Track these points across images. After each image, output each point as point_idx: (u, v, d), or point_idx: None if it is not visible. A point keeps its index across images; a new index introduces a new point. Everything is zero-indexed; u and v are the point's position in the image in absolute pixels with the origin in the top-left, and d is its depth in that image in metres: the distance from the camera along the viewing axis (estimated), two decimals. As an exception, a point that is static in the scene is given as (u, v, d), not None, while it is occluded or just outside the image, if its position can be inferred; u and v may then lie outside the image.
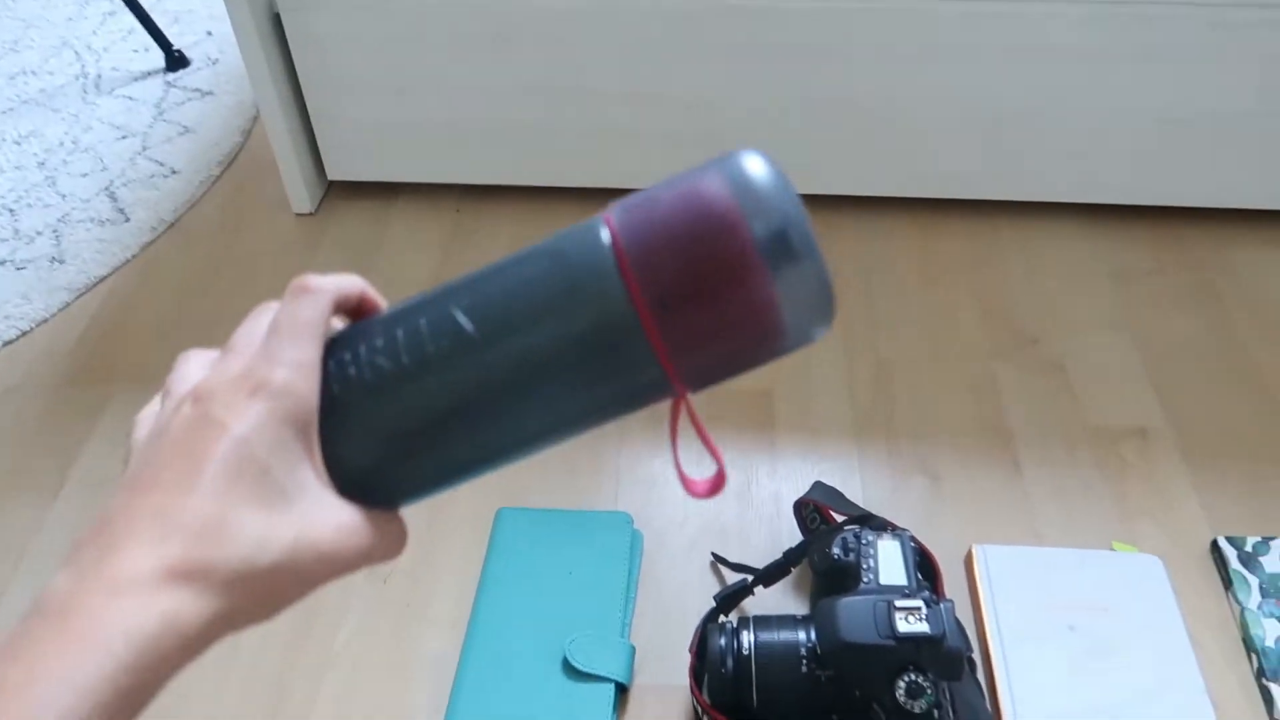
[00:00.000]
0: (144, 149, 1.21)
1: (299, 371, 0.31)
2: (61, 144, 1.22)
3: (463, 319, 0.32)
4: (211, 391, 0.31)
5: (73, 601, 0.26)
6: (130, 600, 0.26)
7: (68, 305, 1.02)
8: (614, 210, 0.32)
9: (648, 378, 0.31)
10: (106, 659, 0.25)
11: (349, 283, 0.35)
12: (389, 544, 0.33)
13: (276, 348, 0.32)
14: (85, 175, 1.18)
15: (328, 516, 0.31)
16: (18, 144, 1.23)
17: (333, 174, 1.10)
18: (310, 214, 1.11)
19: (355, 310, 0.35)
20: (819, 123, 1.00)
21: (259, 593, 0.29)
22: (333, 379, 0.33)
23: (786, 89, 0.98)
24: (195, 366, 0.33)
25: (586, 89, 0.99)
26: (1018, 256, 1.03)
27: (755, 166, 0.31)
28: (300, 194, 1.09)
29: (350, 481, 0.32)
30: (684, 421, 0.35)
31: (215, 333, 0.99)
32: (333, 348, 0.33)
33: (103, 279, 1.04)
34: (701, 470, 0.37)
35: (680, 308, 0.30)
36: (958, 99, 0.97)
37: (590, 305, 0.30)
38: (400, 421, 0.32)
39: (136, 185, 1.16)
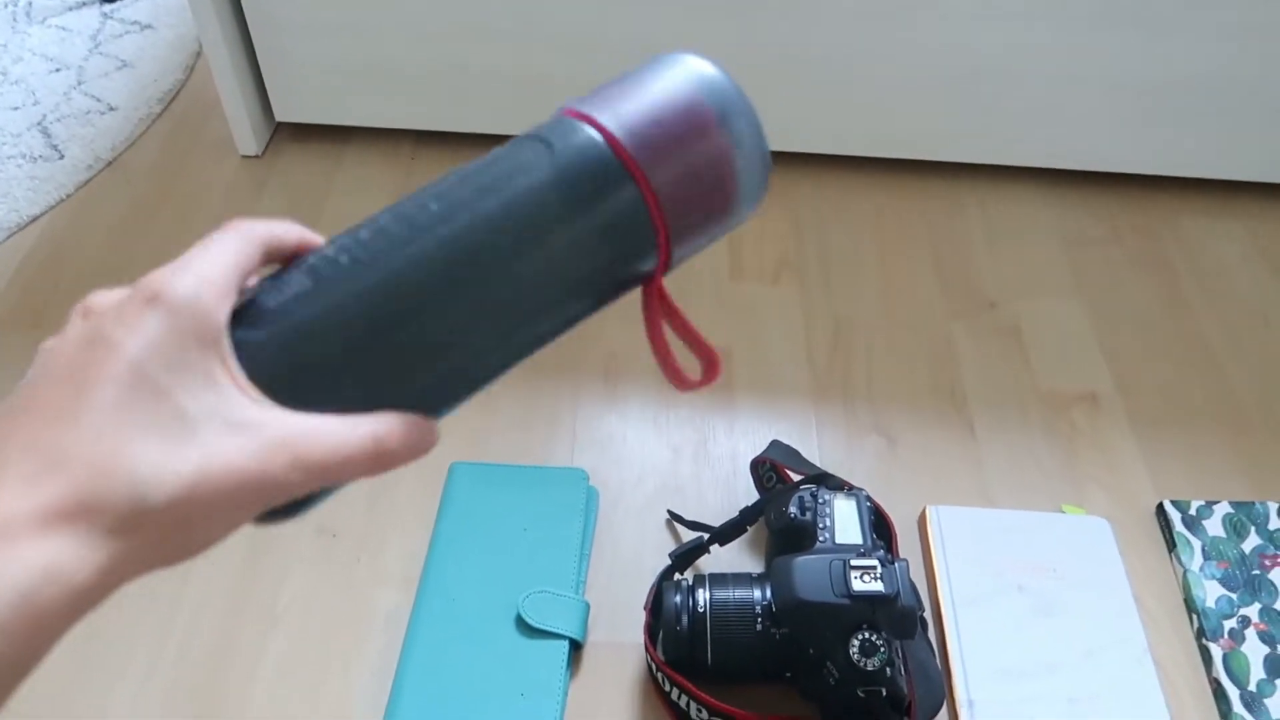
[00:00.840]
0: (79, 83, 1.15)
1: (204, 284, 0.28)
2: (-10, 75, 1.16)
3: (435, 205, 0.32)
4: (104, 306, 0.28)
5: None
6: (14, 543, 0.23)
7: (-2, 245, 0.97)
8: (588, 109, 0.34)
9: (642, 259, 0.35)
10: None
11: (284, 228, 0.32)
12: (353, 454, 0.29)
13: (183, 262, 0.29)
14: (16, 109, 1.12)
15: (243, 441, 0.27)
16: (-58, 73, 1.16)
17: (281, 115, 1.06)
18: (256, 156, 1.06)
19: (291, 258, 0.33)
20: (776, 78, 0.99)
21: (160, 534, 0.26)
22: (264, 291, 0.31)
23: (744, 41, 0.96)
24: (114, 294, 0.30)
25: (546, 34, 0.97)
26: (977, 220, 1.04)
27: (706, 66, 0.36)
28: (246, 135, 1.05)
29: (286, 387, 0.29)
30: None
31: (156, 277, 0.96)
32: (269, 278, 0.32)
33: (35, 218, 1.00)
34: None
35: (675, 191, 0.34)
36: (919, 58, 0.96)
37: (601, 204, 0.33)
38: (363, 321, 0.30)
39: (71, 121, 1.10)
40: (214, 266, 0.29)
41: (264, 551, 0.73)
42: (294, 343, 0.30)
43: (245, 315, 0.30)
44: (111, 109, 1.12)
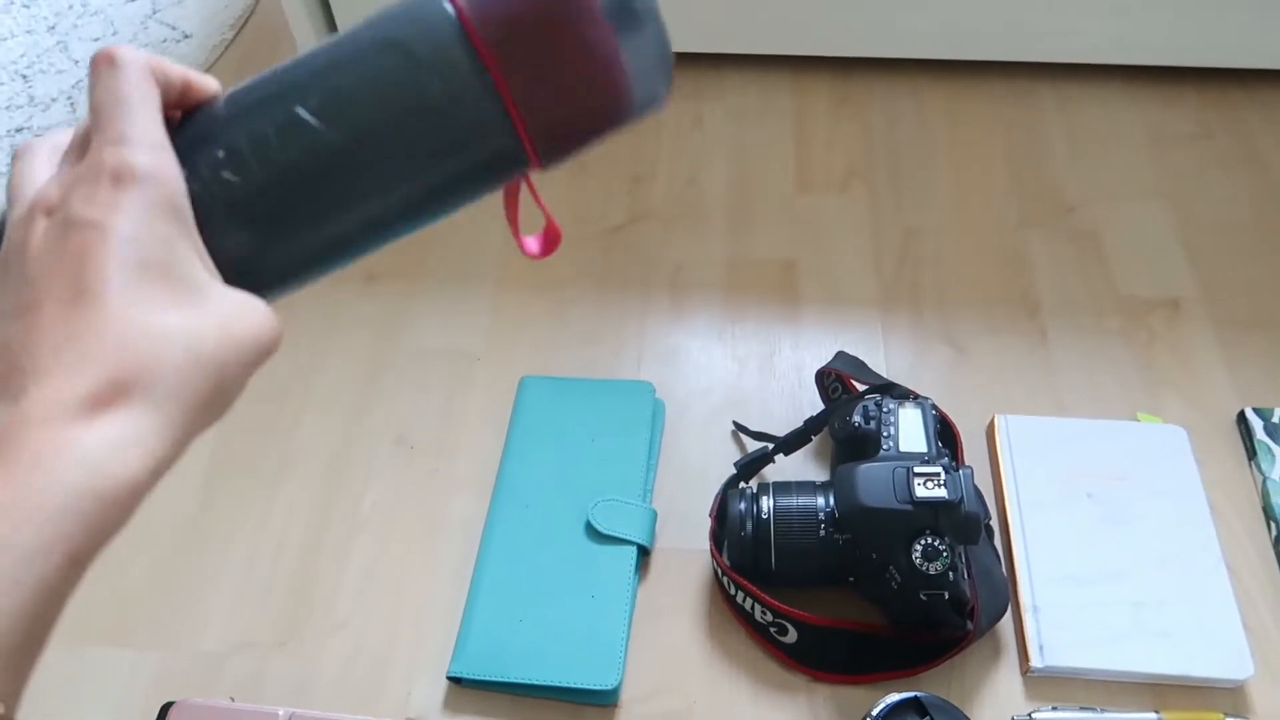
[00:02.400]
0: (154, 12, 1.18)
1: (152, 151, 0.28)
2: (71, 7, 1.19)
3: (310, 118, 0.31)
4: (64, 196, 0.27)
5: (8, 437, 0.24)
6: (80, 428, 0.25)
7: (87, 174, 1.01)
8: None
9: (503, 146, 0.32)
10: (62, 490, 0.24)
11: (162, 63, 0.30)
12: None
13: (115, 129, 0.28)
14: (97, 40, 1.15)
15: (239, 304, 0.29)
16: (26, 7, 1.20)
17: (347, 37, 1.06)
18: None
19: (179, 101, 0.31)
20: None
21: (202, 395, 0.27)
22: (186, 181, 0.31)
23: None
24: (42, 164, 0.30)
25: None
26: (1055, 121, 1.00)
27: None
28: (315, 58, 1.06)
29: (230, 272, 0.31)
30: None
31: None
32: (177, 147, 0.30)
33: (120, 147, 1.03)
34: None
35: (529, 69, 0.31)
36: (999, -49, 0.92)
37: (444, 76, 0.31)
38: (258, 227, 0.31)
39: (149, 50, 1.13)
40: (153, 129, 0.28)
41: (346, 462, 0.77)
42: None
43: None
44: (186, 37, 1.15)
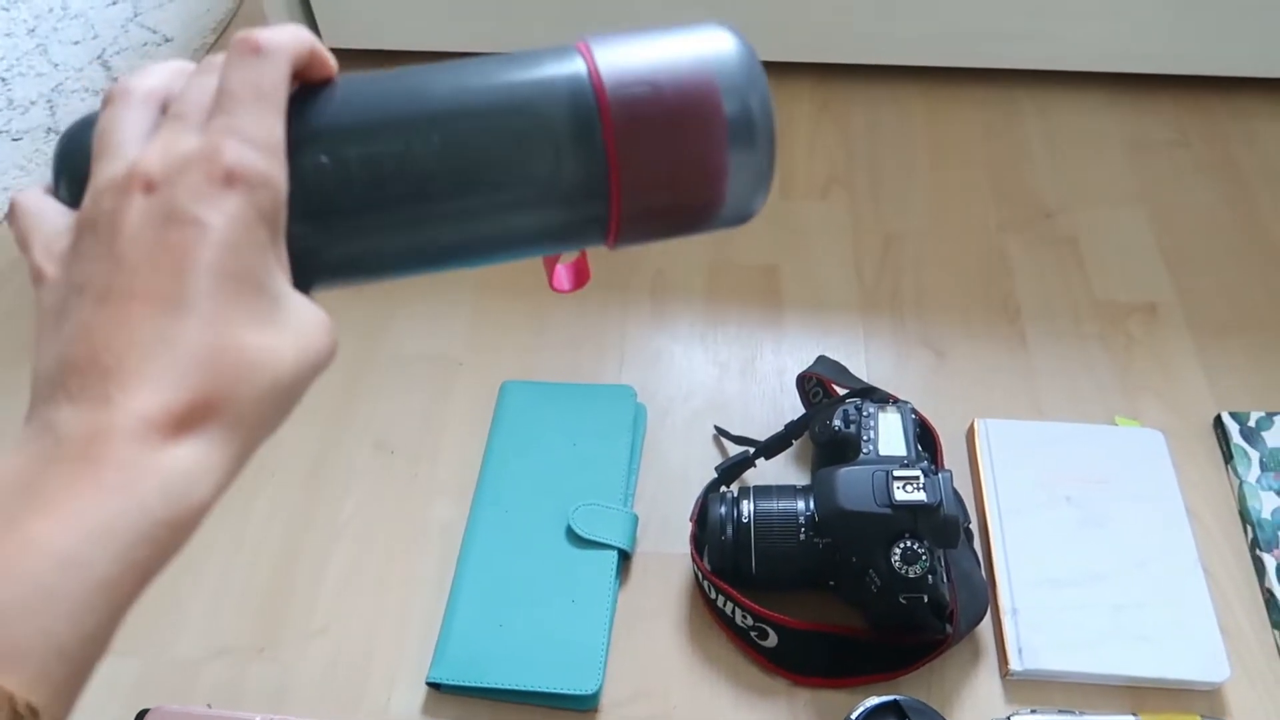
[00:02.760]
0: (135, 15, 1.17)
1: (273, 157, 0.27)
2: (51, 10, 1.19)
3: (427, 157, 0.31)
4: (169, 176, 0.26)
5: (96, 448, 0.24)
6: (163, 450, 0.24)
7: (66, 178, 1.00)
8: (598, 55, 0.32)
9: (592, 224, 0.33)
10: (142, 515, 0.24)
11: (302, 41, 0.29)
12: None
13: (241, 123, 0.27)
14: (77, 43, 1.14)
15: (312, 322, 0.28)
16: (5, 9, 1.19)
17: (329, 41, 1.06)
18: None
19: (303, 73, 0.30)
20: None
21: (269, 418, 0.27)
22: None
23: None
24: (137, 116, 0.28)
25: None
26: (1035, 127, 1.00)
27: (741, 50, 0.33)
28: (297, 62, 1.06)
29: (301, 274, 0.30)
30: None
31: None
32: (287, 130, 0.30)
33: (100, 151, 1.03)
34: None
35: (646, 165, 0.32)
36: (979, -41, 0.93)
37: (565, 149, 0.31)
38: (336, 234, 0.31)
39: (130, 53, 1.13)
40: (278, 131, 0.27)
41: (326, 467, 0.76)
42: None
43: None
44: (167, 40, 1.14)
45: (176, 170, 0.26)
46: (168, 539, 0.24)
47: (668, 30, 0.33)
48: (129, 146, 0.27)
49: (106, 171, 0.27)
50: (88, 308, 0.25)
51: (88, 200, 0.27)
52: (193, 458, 0.25)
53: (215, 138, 0.26)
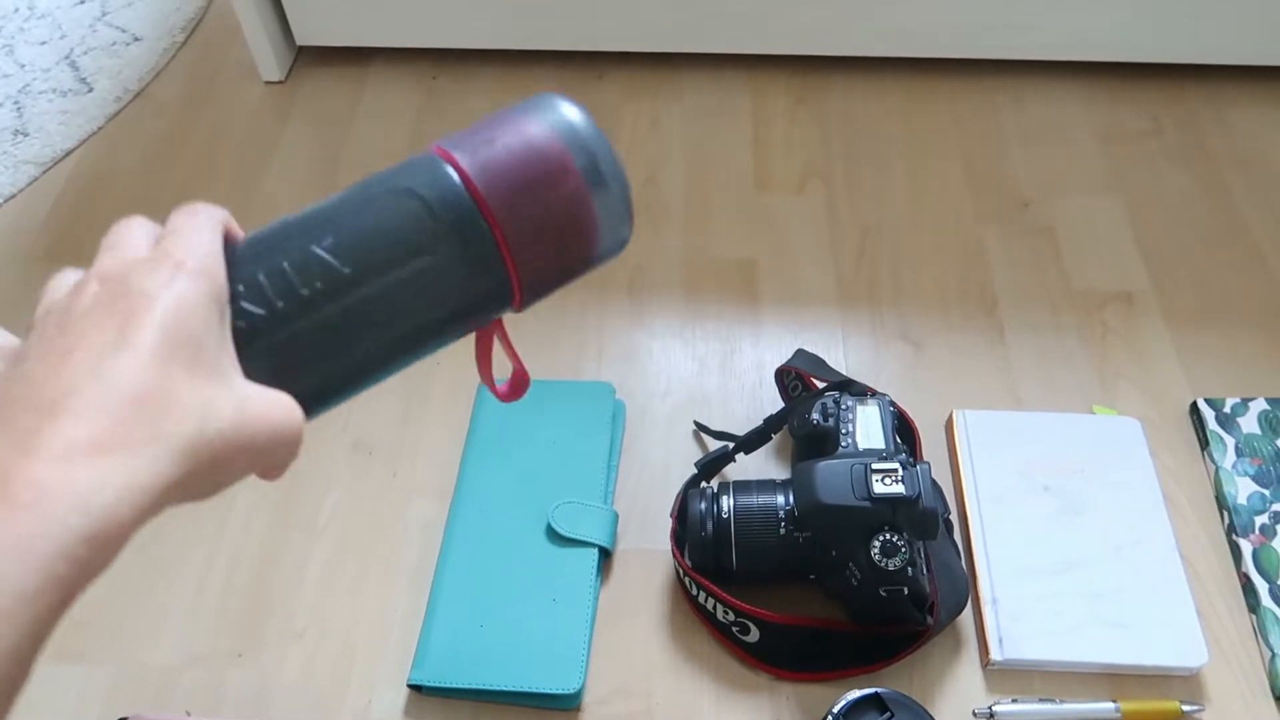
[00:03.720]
0: (104, 14, 1.16)
1: (213, 258, 0.31)
2: (16, 9, 1.17)
3: (330, 259, 0.34)
4: (122, 272, 0.30)
5: (16, 472, 0.25)
6: (82, 470, 0.25)
7: (35, 180, 0.99)
8: (454, 150, 0.37)
9: (496, 298, 0.38)
10: (62, 531, 0.24)
11: (225, 214, 0.35)
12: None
13: (184, 238, 0.31)
14: (44, 43, 1.13)
15: (262, 397, 0.31)
16: (-30, 11, 1.17)
17: (301, 39, 1.05)
18: (280, 82, 1.07)
19: (227, 234, 0.35)
20: (806, -23, 0.96)
21: (204, 465, 0.28)
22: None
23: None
24: (137, 236, 0.33)
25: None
26: (1011, 118, 1.01)
27: (572, 112, 0.38)
28: (268, 61, 1.05)
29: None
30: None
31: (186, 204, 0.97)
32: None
33: (69, 152, 1.01)
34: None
35: (528, 234, 0.37)
36: (952, -50, 0.93)
37: (455, 239, 0.35)
38: (276, 358, 0.34)
39: (98, 53, 1.11)
40: (212, 243, 0.32)
41: (304, 469, 0.76)
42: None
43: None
44: (136, 39, 1.13)
45: (130, 267, 0.30)
46: (88, 556, 0.25)
47: (506, 114, 0.38)
48: (111, 254, 0.32)
49: (69, 279, 0.32)
50: (31, 362, 0.28)
51: (48, 297, 0.31)
52: (115, 479, 0.26)
53: (165, 244, 0.31)
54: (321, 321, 0.34)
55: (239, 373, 0.31)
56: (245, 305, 0.33)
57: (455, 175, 0.36)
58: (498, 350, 0.44)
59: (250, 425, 0.29)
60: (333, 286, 0.34)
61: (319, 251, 0.34)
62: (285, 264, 0.34)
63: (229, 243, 0.35)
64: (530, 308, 0.39)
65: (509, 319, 0.41)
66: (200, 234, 0.32)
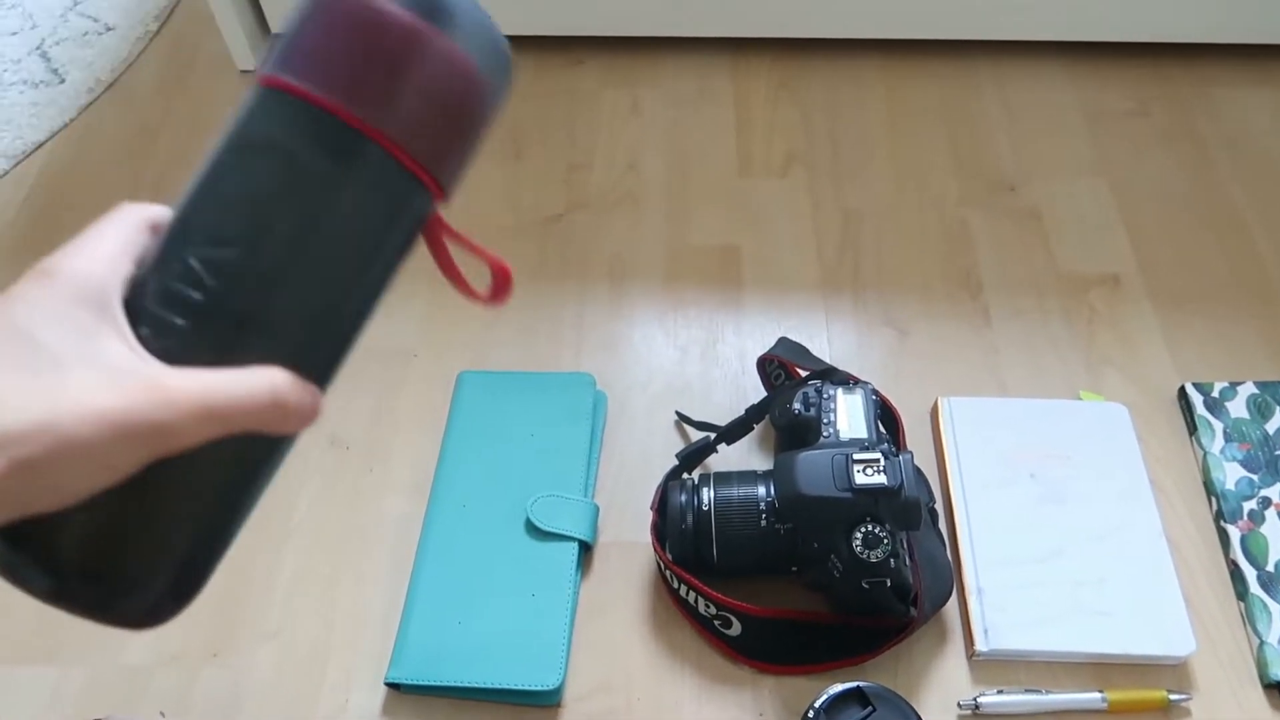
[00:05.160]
0: (75, 4, 1.14)
1: (94, 257, 0.32)
2: (-14, 0, 1.15)
3: (211, 250, 0.32)
4: (14, 288, 0.31)
5: None
6: None
7: (6, 173, 0.97)
8: (279, 71, 0.33)
9: (411, 199, 0.34)
10: None
11: (162, 210, 0.35)
12: (245, 399, 0.31)
13: (77, 244, 0.32)
14: (15, 34, 1.11)
15: (118, 378, 0.29)
16: (-61, 1, 1.15)
17: (277, 26, 1.04)
18: (254, 70, 1.05)
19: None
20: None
21: (22, 460, 0.27)
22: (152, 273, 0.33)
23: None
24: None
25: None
26: (994, 100, 0.99)
27: None
28: (242, 49, 1.03)
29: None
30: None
31: (160, 198, 0.95)
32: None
33: (40, 144, 1.00)
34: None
35: (414, 124, 0.33)
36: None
37: (329, 164, 0.32)
38: (205, 350, 0.32)
39: (70, 44, 1.09)
40: (102, 244, 0.32)
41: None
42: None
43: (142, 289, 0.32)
44: (109, 29, 1.11)
45: (13, 286, 0.31)
46: None
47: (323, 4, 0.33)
48: None
49: None
50: None
51: None
52: None
53: (60, 250, 0.32)
54: (240, 313, 0.32)
55: (105, 358, 0.29)
56: (158, 345, 0.31)
57: (304, 103, 0.32)
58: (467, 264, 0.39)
59: (71, 417, 0.27)
60: (230, 277, 0.32)
61: (198, 250, 0.32)
62: (171, 281, 0.32)
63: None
64: (456, 195, 0.36)
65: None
66: (94, 241, 0.32)
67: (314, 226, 0.32)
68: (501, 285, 0.39)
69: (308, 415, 0.33)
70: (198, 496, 0.33)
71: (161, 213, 0.35)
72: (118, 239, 0.33)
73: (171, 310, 0.32)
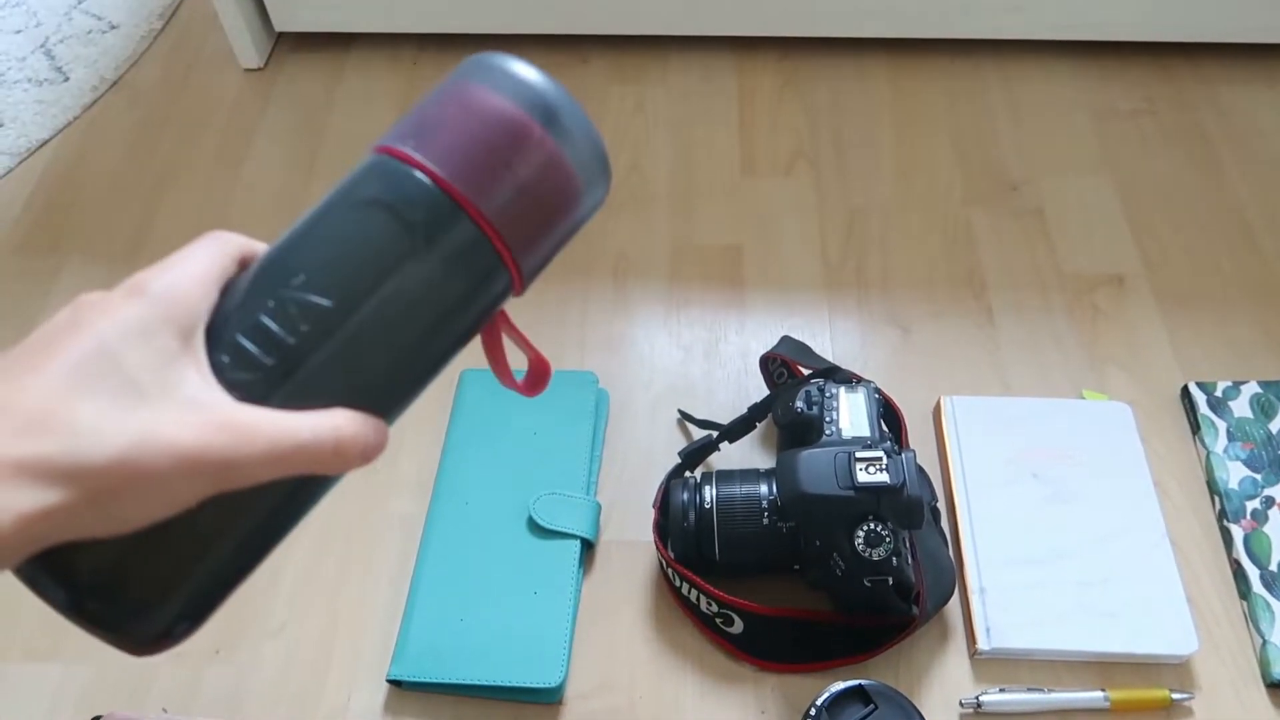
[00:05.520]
0: (79, 2, 1.14)
1: (186, 279, 0.31)
2: (-9, -2, 1.15)
3: (308, 297, 0.33)
4: (93, 299, 0.30)
5: None
6: None
7: (10, 171, 0.97)
8: (403, 146, 0.35)
9: (493, 286, 0.37)
10: None
11: (255, 244, 0.35)
12: (308, 442, 0.31)
13: (168, 263, 0.32)
14: (19, 32, 1.11)
15: (194, 415, 0.29)
16: (-55, -1, 1.15)
17: (280, 25, 1.04)
18: (259, 69, 1.05)
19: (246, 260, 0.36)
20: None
21: (93, 494, 0.27)
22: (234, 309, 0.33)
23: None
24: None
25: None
26: (999, 98, 0.99)
27: (519, 68, 0.36)
28: (246, 48, 1.03)
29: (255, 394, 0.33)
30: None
31: (165, 196, 0.96)
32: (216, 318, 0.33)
33: (45, 142, 1.00)
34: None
35: (512, 212, 0.35)
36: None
37: (434, 239, 0.34)
38: (282, 391, 0.33)
39: (74, 42, 1.09)
40: (194, 267, 0.32)
41: (282, 463, 0.75)
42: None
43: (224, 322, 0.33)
44: (113, 27, 1.11)
45: (103, 294, 0.30)
46: None
47: (447, 89, 0.37)
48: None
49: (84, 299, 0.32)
50: None
51: None
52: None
53: (150, 269, 0.32)
54: (322, 360, 0.33)
55: (185, 389, 0.30)
56: (235, 376, 0.32)
57: (416, 173, 0.34)
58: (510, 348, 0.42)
59: (150, 450, 0.28)
60: (320, 325, 0.33)
61: (295, 293, 0.33)
62: (263, 318, 0.33)
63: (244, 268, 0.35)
64: (533, 283, 0.38)
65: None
66: (186, 263, 0.32)
67: (405, 289, 0.34)
68: (539, 380, 0.43)
69: (374, 450, 0.34)
70: (232, 529, 0.33)
71: (248, 244, 0.35)
72: (211, 264, 0.33)
73: (259, 346, 0.32)
